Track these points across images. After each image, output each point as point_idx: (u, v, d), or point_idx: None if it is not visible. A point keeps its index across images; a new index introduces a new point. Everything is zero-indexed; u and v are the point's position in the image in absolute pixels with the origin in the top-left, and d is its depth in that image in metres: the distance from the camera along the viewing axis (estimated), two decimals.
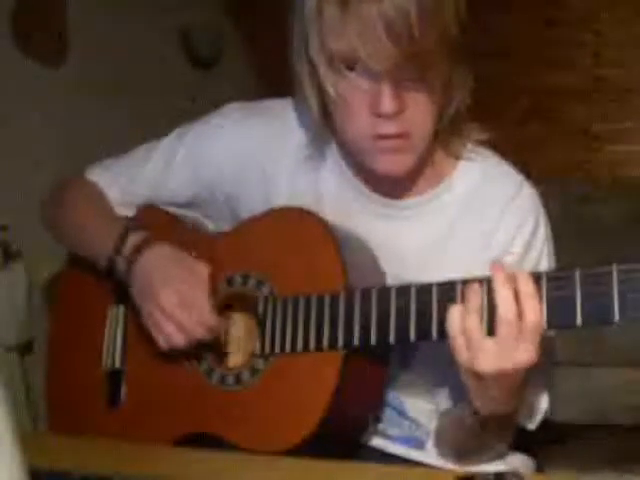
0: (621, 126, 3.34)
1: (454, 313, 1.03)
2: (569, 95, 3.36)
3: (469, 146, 1.23)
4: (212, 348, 1.23)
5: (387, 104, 1.08)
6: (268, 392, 1.17)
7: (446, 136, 1.20)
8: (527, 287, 1.00)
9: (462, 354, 1.03)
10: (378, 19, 1.03)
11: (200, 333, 1.19)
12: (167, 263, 1.22)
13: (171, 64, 2.99)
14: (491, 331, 1.01)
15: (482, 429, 1.14)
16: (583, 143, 3.39)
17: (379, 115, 1.09)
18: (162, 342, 1.21)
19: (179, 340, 1.19)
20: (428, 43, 1.05)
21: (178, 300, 1.18)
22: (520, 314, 0.99)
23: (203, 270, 1.22)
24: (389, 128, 1.11)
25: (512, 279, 1.01)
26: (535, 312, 0.99)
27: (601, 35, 3.31)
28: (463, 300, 1.04)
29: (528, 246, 1.20)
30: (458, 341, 1.02)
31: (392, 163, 1.15)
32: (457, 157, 1.23)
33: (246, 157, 1.28)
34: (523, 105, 3.41)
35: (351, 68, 1.09)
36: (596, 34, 3.31)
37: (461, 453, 1.22)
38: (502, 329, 1.00)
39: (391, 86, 1.08)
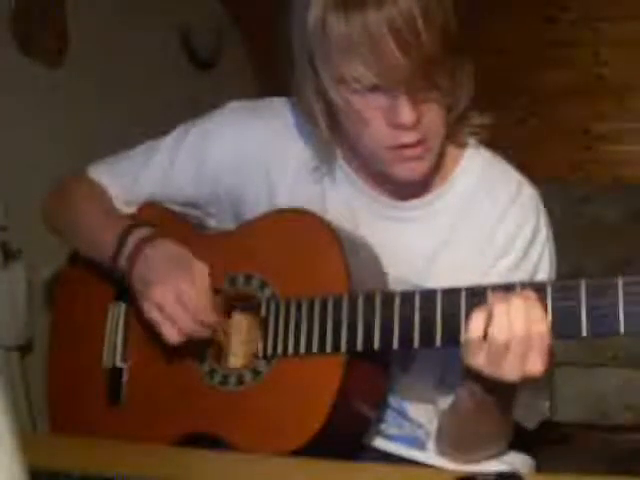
0: (621, 126, 3.34)
1: (482, 310, 1.02)
2: (569, 94, 3.35)
3: (471, 141, 1.23)
4: (212, 347, 1.23)
5: (407, 116, 1.08)
6: (270, 394, 1.17)
7: (453, 128, 1.20)
8: (535, 309, 0.99)
9: (479, 358, 1.02)
10: (383, 23, 1.03)
11: (196, 331, 1.18)
12: (167, 260, 1.22)
13: (171, 64, 2.99)
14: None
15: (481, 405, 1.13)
16: (583, 143, 3.39)
17: (399, 126, 1.10)
18: (164, 337, 1.20)
19: (174, 337, 1.18)
20: (434, 45, 1.05)
21: (174, 298, 1.18)
22: (529, 333, 0.99)
23: (202, 268, 1.21)
24: (410, 137, 1.11)
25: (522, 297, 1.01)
26: (542, 325, 0.99)
27: (601, 34, 3.31)
28: (467, 307, 1.04)
29: (529, 246, 1.20)
30: (477, 345, 1.01)
31: (413, 170, 1.15)
32: (463, 146, 1.23)
33: (248, 156, 1.28)
34: (523, 104, 3.41)
35: (363, 83, 1.08)
36: (596, 33, 3.31)
37: (459, 445, 1.21)
38: (513, 347, 1.00)
39: (408, 97, 1.08)
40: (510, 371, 1.00)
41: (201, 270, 1.21)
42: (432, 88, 1.10)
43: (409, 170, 1.15)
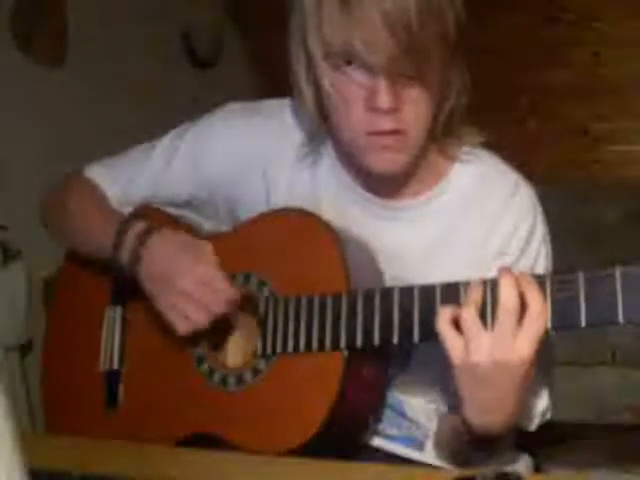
0: (621, 126, 3.35)
1: (444, 309, 1.04)
2: (569, 94, 3.36)
3: (465, 148, 1.23)
4: (222, 344, 1.23)
5: (383, 99, 1.08)
6: (270, 392, 1.17)
7: (442, 137, 1.19)
8: (529, 282, 1.01)
9: (456, 348, 1.02)
10: (377, 12, 1.03)
11: (222, 308, 1.18)
12: (174, 247, 1.22)
13: (171, 64, 3.00)
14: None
15: (477, 448, 1.14)
16: (583, 143, 3.39)
17: (375, 110, 1.09)
18: (183, 327, 1.19)
19: (202, 319, 1.18)
20: (426, 39, 1.05)
21: (194, 280, 1.18)
22: (523, 306, 1.00)
23: (208, 247, 1.22)
24: (385, 124, 1.10)
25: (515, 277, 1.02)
26: (538, 303, 0.99)
27: (601, 34, 3.31)
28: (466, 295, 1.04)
29: (525, 245, 1.20)
30: (450, 335, 1.02)
31: (386, 161, 1.14)
32: (453, 159, 1.23)
33: (245, 157, 1.28)
34: (522, 104, 3.41)
35: (348, 62, 1.09)
36: (596, 33, 3.31)
37: (460, 462, 1.22)
38: (501, 318, 1.00)
39: (388, 81, 1.07)
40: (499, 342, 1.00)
41: (207, 248, 1.22)
42: (418, 79, 1.09)
43: (384, 161, 1.14)
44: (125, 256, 1.25)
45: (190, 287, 1.17)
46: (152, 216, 1.34)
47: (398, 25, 1.03)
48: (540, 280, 1.02)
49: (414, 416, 1.26)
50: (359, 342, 1.11)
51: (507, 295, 1.00)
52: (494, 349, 1.00)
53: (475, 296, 1.02)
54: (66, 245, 1.44)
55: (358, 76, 1.09)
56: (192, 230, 1.34)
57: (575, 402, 2.70)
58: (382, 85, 1.07)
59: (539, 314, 1.00)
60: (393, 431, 1.26)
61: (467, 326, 1.01)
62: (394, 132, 1.11)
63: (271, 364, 1.18)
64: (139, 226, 1.26)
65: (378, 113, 1.09)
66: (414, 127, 1.12)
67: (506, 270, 1.02)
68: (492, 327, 1.01)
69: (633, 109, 3.32)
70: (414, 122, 1.12)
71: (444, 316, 1.03)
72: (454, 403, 1.19)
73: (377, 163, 1.15)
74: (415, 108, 1.11)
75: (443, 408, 1.24)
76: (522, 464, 1.27)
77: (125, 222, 1.27)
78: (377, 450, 1.25)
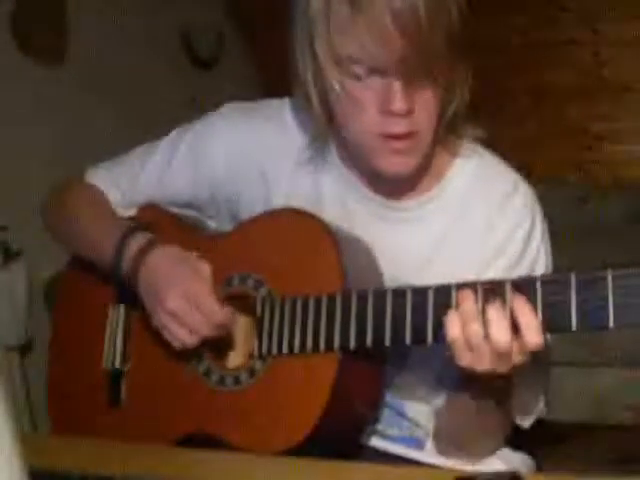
0: (621, 126, 3.35)
1: (453, 319, 1.03)
2: (569, 94, 3.36)
3: (466, 144, 1.23)
4: (210, 348, 1.23)
5: (399, 102, 1.08)
6: (266, 393, 1.17)
7: (444, 133, 1.19)
8: (496, 313, 1.00)
9: (464, 357, 1.03)
10: (387, 13, 1.03)
11: (211, 332, 1.19)
12: (171, 265, 1.22)
13: (171, 64, 3.00)
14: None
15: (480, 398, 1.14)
16: (583, 143, 3.40)
17: (390, 113, 1.09)
18: (177, 344, 1.21)
19: (192, 341, 1.19)
20: (435, 38, 1.05)
21: (185, 302, 1.18)
22: (514, 317, 1.00)
23: (206, 269, 1.21)
24: (399, 127, 1.10)
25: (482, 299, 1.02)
26: (533, 332, 0.99)
27: (601, 34, 3.31)
28: (458, 304, 1.04)
29: (525, 245, 1.20)
30: (458, 345, 1.02)
31: (398, 164, 1.15)
32: (454, 154, 1.23)
33: (244, 157, 1.28)
34: (522, 104, 3.41)
35: (359, 64, 1.08)
36: (595, 33, 3.31)
37: (458, 440, 1.22)
38: (498, 351, 1.01)
39: (402, 84, 1.07)
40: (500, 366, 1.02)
41: (204, 269, 1.21)
42: (429, 80, 1.09)
43: (395, 165, 1.14)
44: (124, 271, 1.26)
45: (179, 309, 1.18)
46: (155, 216, 1.34)
47: (409, 24, 1.03)
48: (531, 282, 1.01)
49: (414, 416, 1.26)
50: (352, 343, 1.11)
51: (497, 335, 1.00)
52: (495, 363, 1.02)
53: (468, 307, 1.02)
54: (68, 249, 1.44)
55: (370, 78, 1.09)
56: (196, 229, 1.35)
57: (576, 403, 2.70)
58: (396, 88, 1.07)
59: (534, 336, 0.99)
60: (393, 431, 1.26)
61: (475, 343, 1.01)
62: (407, 135, 1.11)
63: (267, 365, 1.18)
64: (138, 242, 1.25)
65: (393, 116, 1.09)
66: (425, 128, 1.12)
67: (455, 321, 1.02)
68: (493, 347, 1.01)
69: (633, 109, 3.32)
70: (425, 123, 1.12)
71: (454, 323, 1.02)
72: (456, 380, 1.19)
73: (389, 166, 1.15)
74: (427, 109, 1.11)
75: (440, 404, 1.24)
76: (522, 464, 1.27)
77: (124, 237, 1.27)
78: (377, 450, 1.25)
